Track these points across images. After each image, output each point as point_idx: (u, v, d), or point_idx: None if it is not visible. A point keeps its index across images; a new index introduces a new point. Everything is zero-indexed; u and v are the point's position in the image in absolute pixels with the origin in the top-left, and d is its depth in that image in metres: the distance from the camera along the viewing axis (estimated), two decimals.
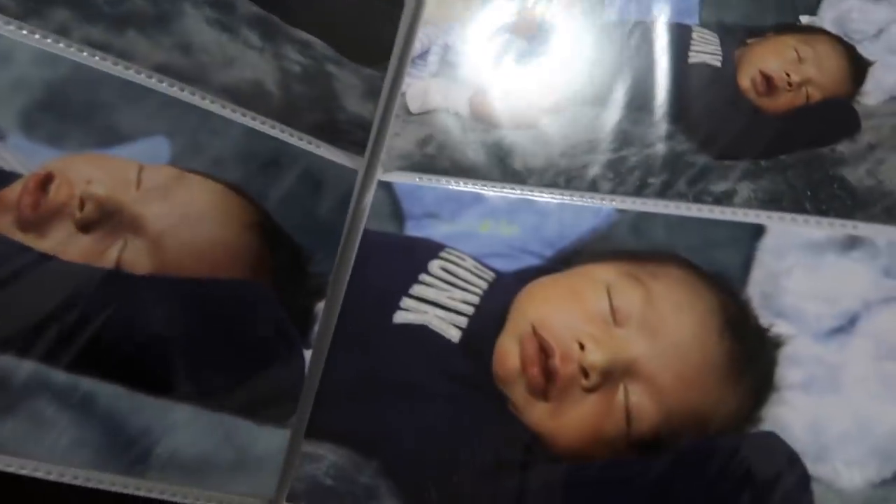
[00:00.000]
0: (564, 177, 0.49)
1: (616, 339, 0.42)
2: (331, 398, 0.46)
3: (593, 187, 0.48)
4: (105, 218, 0.41)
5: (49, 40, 0.41)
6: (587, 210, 0.47)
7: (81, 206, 0.40)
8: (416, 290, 0.48)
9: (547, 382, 0.42)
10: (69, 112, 0.41)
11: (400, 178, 0.52)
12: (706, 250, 0.44)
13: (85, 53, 0.41)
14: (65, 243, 0.40)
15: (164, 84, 0.44)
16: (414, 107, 0.54)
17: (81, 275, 0.39)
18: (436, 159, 0.52)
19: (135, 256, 0.41)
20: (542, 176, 0.49)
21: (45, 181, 0.40)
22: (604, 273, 0.45)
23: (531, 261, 0.47)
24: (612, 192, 0.47)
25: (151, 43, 0.43)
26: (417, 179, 0.51)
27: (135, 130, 0.43)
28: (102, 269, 0.40)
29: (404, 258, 0.49)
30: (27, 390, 0.37)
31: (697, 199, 0.45)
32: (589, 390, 0.41)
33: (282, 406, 0.44)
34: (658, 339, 0.42)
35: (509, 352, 0.44)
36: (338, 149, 0.49)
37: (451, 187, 0.50)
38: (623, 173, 0.48)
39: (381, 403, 0.45)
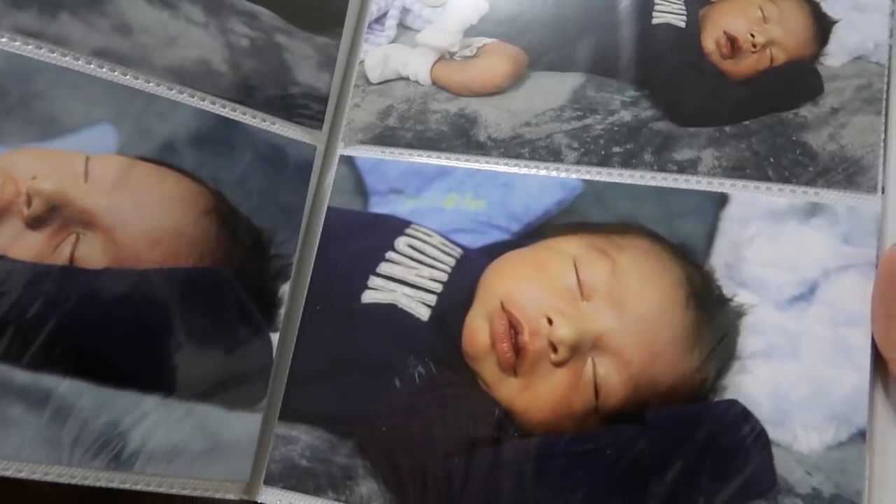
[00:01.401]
0: (529, 147, 0.48)
1: (583, 313, 0.42)
2: (302, 380, 0.46)
3: (558, 158, 0.47)
4: (54, 213, 0.39)
5: None
6: (552, 182, 0.47)
7: (28, 202, 0.39)
8: (384, 268, 0.47)
9: (517, 358, 0.43)
10: (6, 106, 0.39)
11: (362, 152, 0.50)
12: (671, 221, 0.44)
13: (17, 42, 0.39)
14: (15, 242, 0.39)
15: (104, 69, 0.41)
16: (373, 76, 0.52)
17: (35, 273, 0.38)
18: (398, 131, 0.50)
19: (88, 251, 0.40)
20: (506, 147, 0.48)
21: None
22: (570, 246, 0.45)
23: (498, 235, 0.47)
24: (578, 162, 0.46)
25: (87, 26, 0.40)
26: (381, 153, 0.50)
27: (77, 120, 0.41)
28: (56, 267, 0.39)
29: (370, 236, 0.49)
30: None
31: (662, 167, 0.45)
32: (558, 364, 0.42)
33: (251, 391, 0.44)
34: (625, 313, 0.42)
35: (479, 328, 0.44)
36: (294, 124, 0.48)
37: (414, 160, 0.49)
38: (588, 142, 0.47)
39: (352, 383, 0.45)
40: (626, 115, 0.47)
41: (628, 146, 0.46)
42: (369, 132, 0.51)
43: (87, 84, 0.41)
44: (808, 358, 0.40)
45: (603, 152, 0.46)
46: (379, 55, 0.52)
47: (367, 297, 0.47)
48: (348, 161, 0.50)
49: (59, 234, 0.39)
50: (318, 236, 0.49)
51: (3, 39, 0.39)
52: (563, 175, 0.47)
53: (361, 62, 0.52)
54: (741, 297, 0.41)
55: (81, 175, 0.40)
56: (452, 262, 0.47)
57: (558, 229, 0.46)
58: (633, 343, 0.41)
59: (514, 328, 0.43)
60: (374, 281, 0.47)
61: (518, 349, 0.43)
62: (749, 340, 0.40)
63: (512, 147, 0.48)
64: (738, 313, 0.41)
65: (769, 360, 0.40)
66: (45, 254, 0.39)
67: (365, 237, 0.49)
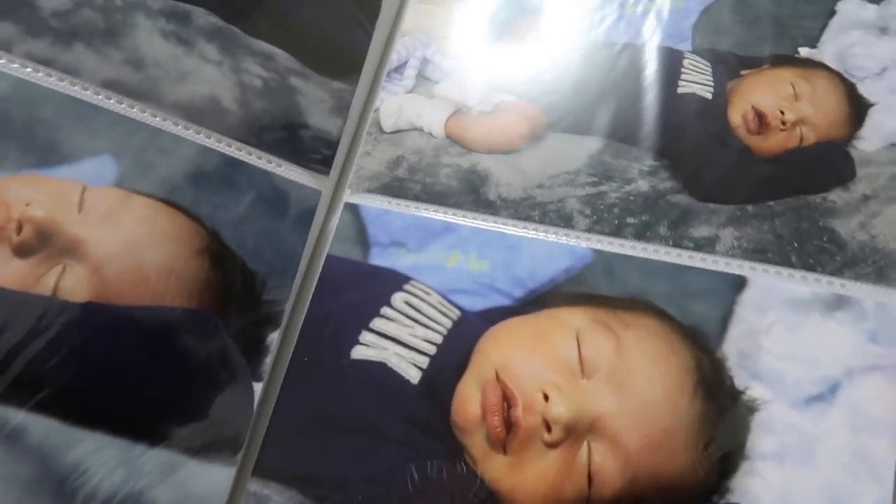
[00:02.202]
0: (540, 210, 0.46)
1: (582, 391, 0.40)
2: (280, 435, 0.44)
3: (569, 223, 0.45)
4: (43, 242, 0.39)
5: None
6: (561, 248, 0.44)
7: (19, 229, 0.38)
8: (377, 324, 0.45)
9: (508, 434, 0.40)
10: (8, 130, 0.39)
11: (368, 201, 0.49)
12: (683, 300, 0.41)
13: (28, 69, 0.39)
14: (1, 268, 0.38)
15: (111, 101, 0.41)
16: (387, 124, 0.51)
17: (16, 302, 0.37)
18: (406, 182, 0.49)
19: (73, 283, 0.39)
20: (516, 208, 0.46)
21: None
22: (574, 318, 0.42)
23: (499, 300, 0.45)
24: (589, 230, 0.44)
25: (100, 57, 0.40)
26: (387, 203, 0.48)
27: (79, 150, 0.40)
28: (39, 297, 0.38)
29: (367, 288, 0.47)
30: None
31: (677, 243, 0.42)
32: (551, 445, 0.39)
33: (227, 443, 0.42)
34: (626, 396, 0.39)
35: (470, 398, 0.42)
36: (300, 168, 0.47)
37: (420, 214, 0.48)
38: (601, 210, 0.45)
39: (332, 444, 0.43)
40: (643, 185, 0.45)
41: (643, 217, 0.44)
42: (377, 181, 0.50)
43: (92, 114, 0.41)
44: (824, 465, 0.36)
45: (616, 222, 0.44)
46: (394, 104, 0.51)
47: (358, 352, 0.45)
48: (353, 209, 0.49)
49: (46, 264, 0.38)
50: (314, 284, 0.47)
51: (14, 65, 0.39)
52: (572, 242, 0.44)
53: (376, 110, 0.52)
54: (754, 390, 0.38)
55: (76, 205, 0.40)
56: (449, 323, 0.45)
57: (563, 299, 0.44)
58: (633, 429, 0.38)
59: (507, 401, 0.40)
60: (366, 336, 0.45)
61: (510, 424, 0.40)
62: (760, 440, 0.37)
63: (522, 208, 0.46)
64: (750, 408, 0.38)
65: (781, 463, 0.36)
66: (29, 282, 0.38)
67: (361, 289, 0.47)
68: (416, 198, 0.48)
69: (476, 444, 0.41)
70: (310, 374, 0.45)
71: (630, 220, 0.44)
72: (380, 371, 0.44)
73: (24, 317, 0.37)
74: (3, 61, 0.39)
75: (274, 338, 0.44)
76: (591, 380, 0.40)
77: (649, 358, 0.40)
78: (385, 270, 0.47)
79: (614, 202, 0.45)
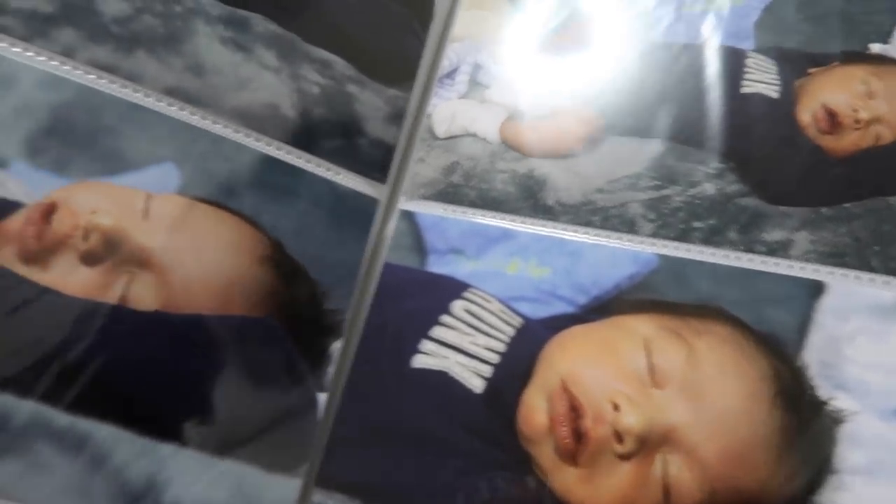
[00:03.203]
0: (601, 216, 0.45)
1: (654, 401, 0.38)
2: (343, 445, 0.43)
3: (632, 229, 0.44)
4: (110, 250, 0.38)
5: (55, 62, 0.38)
6: (625, 254, 0.43)
7: (86, 237, 0.38)
8: (437, 332, 0.44)
9: (577, 445, 0.39)
10: (74, 138, 0.39)
11: (423, 208, 0.48)
12: (757, 307, 0.40)
13: (91, 76, 0.39)
14: (68, 276, 0.38)
15: (173, 108, 0.41)
16: (440, 130, 0.50)
17: (85, 311, 0.37)
18: (461, 189, 0.48)
19: (140, 291, 0.38)
20: (576, 213, 0.45)
21: (49, 211, 0.38)
22: (642, 326, 0.41)
23: (562, 307, 0.44)
24: (654, 235, 0.43)
25: (161, 64, 0.40)
26: (443, 210, 0.48)
27: (143, 157, 0.40)
28: (106, 305, 0.38)
29: (425, 296, 0.46)
30: (26, 431, 0.35)
31: (749, 248, 0.41)
32: (623, 457, 0.38)
33: (293, 453, 0.41)
34: (701, 406, 0.38)
35: (536, 408, 0.41)
36: (358, 175, 0.46)
37: (477, 220, 0.47)
38: (666, 214, 0.44)
39: (395, 454, 0.42)
40: (709, 188, 0.44)
41: (711, 222, 0.43)
42: (432, 188, 0.49)
43: (155, 121, 0.40)
44: None
45: (682, 226, 0.43)
46: (447, 110, 0.51)
47: (418, 361, 0.44)
48: (408, 216, 0.48)
49: (113, 272, 0.38)
50: (372, 292, 0.47)
51: (78, 72, 0.39)
52: (636, 247, 0.43)
53: (429, 116, 0.51)
54: (839, 401, 0.37)
55: (141, 213, 0.39)
56: (512, 331, 0.44)
57: (629, 306, 0.43)
58: (711, 441, 0.37)
59: (575, 411, 0.39)
60: (425, 345, 0.44)
61: (579, 435, 0.39)
62: (848, 453, 0.35)
63: (582, 213, 0.45)
64: (836, 420, 0.37)
65: (873, 478, 0.35)
66: (97, 291, 0.37)
67: (419, 297, 0.46)
68: (473, 204, 0.47)
69: (545, 455, 0.40)
70: (370, 383, 0.44)
71: (697, 224, 0.43)
72: (442, 380, 0.43)
73: (93, 326, 0.37)
74: (67, 68, 0.39)
75: (336, 347, 0.43)
76: (663, 389, 0.39)
77: (724, 366, 0.39)
78: (443, 278, 0.46)
79: (679, 206, 0.44)
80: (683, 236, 0.43)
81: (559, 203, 0.46)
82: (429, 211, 0.48)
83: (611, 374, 0.40)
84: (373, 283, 0.47)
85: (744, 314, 0.40)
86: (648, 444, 0.38)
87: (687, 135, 0.45)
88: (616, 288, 0.43)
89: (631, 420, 0.38)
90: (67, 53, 0.38)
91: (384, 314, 0.46)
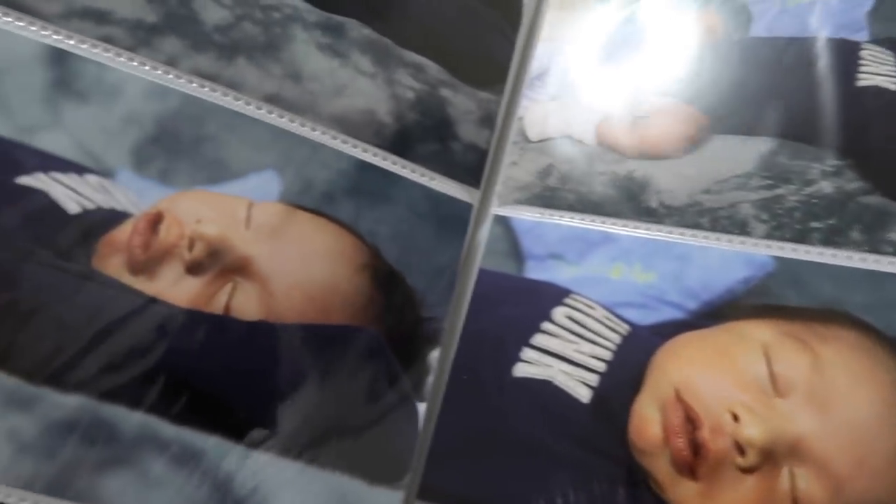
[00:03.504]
0: (709, 217, 0.43)
1: (777, 411, 0.36)
2: (444, 457, 0.42)
3: (744, 230, 0.42)
4: (214, 259, 0.38)
5: (159, 71, 0.39)
6: (737, 257, 0.41)
7: (191, 246, 0.38)
8: (539, 340, 0.43)
9: (695, 457, 0.37)
10: (179, 146, 0.39)
11: (518, 213, 0.47)
12: (888, 311, 0.37)
13: (194, 84, 0.39)
14: (174, 286, 0.37)
15: (273, 115, 0.41)
16: (532, 133, 0.49)
17: (191, 321, 0.37)
18: (558, 192, 0.47)
19: (244, 301, 0.38)
20: (682, 215, 0.43)
21: (155, 221, 0.38)
22: (760, 332, 0.39)
23: (671, 313, 0.42)
24: (768, 236, 0.41)
25: (261, 71, 0.40)
26: (539, 214, 0.46)
27: (244, 165, 0.40)
28: (212, 315, 0.37)
29: (525, 303, 0.45)
30: (135, 443, 0.35)
31: (875, 248, 0.39)
32: (746, 471, 0.36)
33: (395, 465, 0.40)
34: (831, 416, 0.36)
35: (649, 419, 0.39)
36: (452, 180, 0.45)
37: (576, 225, 0.46)
38: (780, 215, 0.42)
39: (498, 465, 0.41)
40: (826, 187, 0.41)
41: (830, 222, 0.40)
42: (527, 192, 0.48)
43: (256, 129, 0.40)
44: None
45: (799, 227, 0.41)
46: (540, 112, 0.49)
47: (520, 370, 0.42)
48: (503, 221, 0.47)
49: (217, 282, 0.38)
50: (467, 299, 0.46)
51: (181, 81, 0.39)
52: (750, 250, 0.41)
53: (520, 118, 0.50)
54: None
55: (243, 221, 0.39)
56: (618, 338, 0.42)
57: (745, 311, 0.41)
58: (843, 453, 0.35)
59: (691, 422, 0.38)
60: (527, 353, 0.43)
61: (696, 447, 0.37)
62: None
63: (689, 215, 0.43)
64: None
65: None
66: (202, 301, 0.37)
67: (519, 304, 0.45)
68: (571, 208, 0.46)
69: (660, 468, 0.38)
70: (470, 392, 0.43)
71: (815, 224, 0.41)
72: (546, 389, 0.42)
73: (199, 336, 0.37)
74: (171, 77, 0.39)
75: (435, 356, 0.42)
76: (787, 399, 0.37)
77: (854, 374, 0.37)
78: (543, 284, 0.45)
79: (795, 206, 0.42)
80: (801, 237, 0.41)
81: (663, 205, 0.44)
82: (525, 215, 0.47)
83: (728, 383, 0.38)
84: (468, 289, 0.45)
85: (873, 319, 0.37)
86: (773, 457, 0.36)
87: (799, 132, 0.43)
88: (729, 292, 0.41)
89: (753, 431, 0.36)
90: (171, 62, 0.38)
91: (481, 322, 0.45)
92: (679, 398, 0.38)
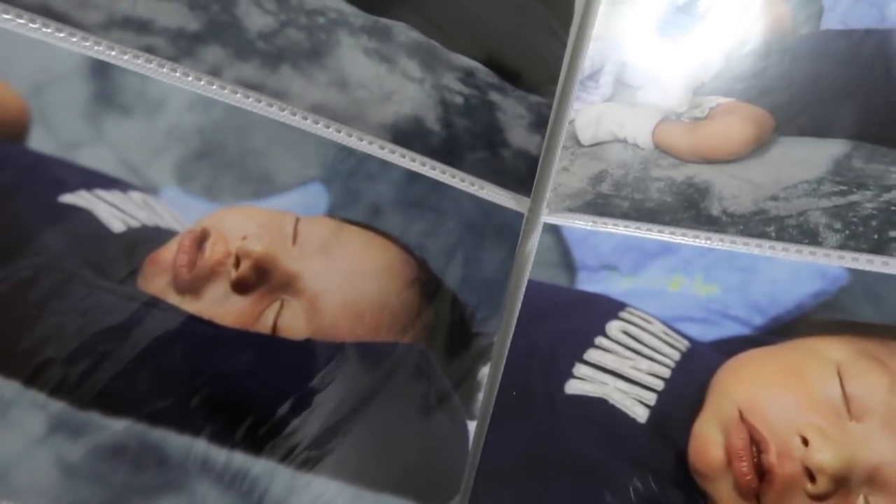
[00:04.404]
0: (776, 226, 0.40)
1: (851, 435, 0.34)
2: (493, 477, 0.41)
3: (815, 240, 0.39)
4: (261, 277, 0.37)
5: (202, 82, 0.37)
6: (808, 269, 0.39)
7: (237, 264, 0.37)
8: (593, 355, 0.41)
9: (760, 483, 0.35)
10: (224, 161, 0.38)
11: (570, 221, 0.45)
12: None
13: (239, 95, 0.38)
14: (220, 305, 0.36)
15: (319, 125, 0.39)
16: (584, 137, 0.47)
17: (239, 342, 0.36)
18: (612, 199, 0.45)
19: (292, 319, 0.37)
20: (746, 224, 0.41)
21: (201, 238, 0.37)
22: (832, 350, 0.37)
23: (735, 328, 0.40)
24: (841, 247, 0.39)
25: (307, 80, 0.38)
26: (592, 223, 0.44)
27: (291, 178, 0.38)
28: (260, 335, 0.36)
29: (577, 317, 0.43)
30: (184, 467, 0.34)
31: None
32: (816, 498, 0.34)
33: (445, 485, 0.39)
34: None
35: (710, 440, 0.37)
36: (502, 189, 0.43)
37: (632, 234, 0.44)
38: (855, 223, 0.39)
39: (550, 487, 0.39)
40: None
41: None
42: (579, 199, 0.46)
43: (301, 140, 0.39)
44: None
45: (876, 236, 0.38)
46: (591, 115, 0.47)
47: (573, 387, 0.41)
48: (554, 230, 0.45)
49: (265, 300, 0.37)
50: (516, 313, 0.44)
51: (225, 91, 0.38)
52: (821, 261, 0.39)
53: (571, 122, 0.48)
54: None
55: (290, 237, 0.38)
56: (677, 355, 0.40)
57: (816, 327, 0.38)
58: None
59: (756, 444, 0.36)
60: (580, 369, 0.41)
61: (762, 472, 0.35)
62: None
63: (754, 224, 0.41)
64: None
65: None
66: (250, 320, 0.36)
67: (570, 318, 0.43)
68: (626, 216, 0.44)
69: (723, 493, 0.36)
70: (520, 410, 0.42)
71: (894, 234, 0.38)
72: (600, 408, 0.40)
73: (247, 358, 0.36)
74: (214, 87, 0.38)
75: (485, 373, 0.41)
76: (862, 422, 0.35)
77: None
78: (596, 296, 0.43)
79: (871, 213, 0.39)
80: (879, 248, 0.38)
81: (726, 213, 0.42)
82: (577, 224, 0.45)
83: (798, 404, 0.36)
84: (517, 302, 0.44)
85: None
86: (847, 484, 0.34)
87: (876, 132, 0.40)
88: (798, 307, 0.39)
89: (825, 456, 0.34)
90: (215, 72, 0.37)
91: (531, 336, 0.43)
92: (743, 419, 0.37)
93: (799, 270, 0.39)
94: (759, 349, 0.39)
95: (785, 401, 0.36)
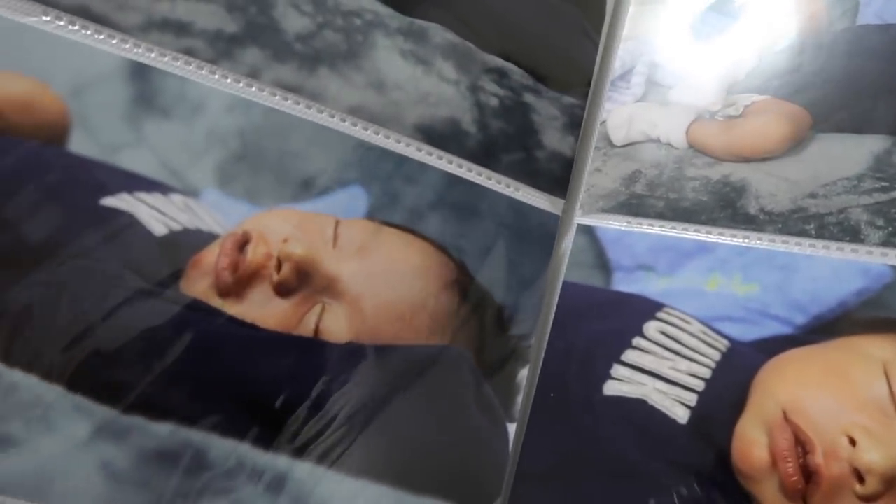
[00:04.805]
0: (816, 224, 0.40)
1: None
2: (532, 479, 0.40)
3: (856, 237, 0.39)
4: (302, 280, 0.37)
5: (241, 84, 0.37)
6: (850, 266, 0.39)
7: (278, 267, 0.37)
8: (631, 356, 0.41)
9: (807, 484, 0.35)
10: (263, 163, 0.38)
11: (603, 221, 0.45)
12: None
13: (277, 97, 0.37)
14: (262, 308, 0.36)
15: (357, 127, 0.39)
16: (617, 137, 0.47)
17: (282, 345, 0.36)
18: (647, 199, 0.45)
19: (333, 323, 0.37)
20: (785, 222, 0.41)
21: (242, 241, 0.37)
22: (878, 349, 0.37)
23: (777, 328, 0.39)
24: (884, 243, 0.38)
25: (344, 81, 0.38)
26: (626, 223, 0.44)
27: (330, 180, 0.38)
28: (302, 339, 0.36)
29: (614, 317, 0.43)
30: (228, 471, 0.34)
31: None
32: (865, 499, 0.34)
33: (485, 488, 0.39)
34: None
35: (754, 441, 0.37)
36: (538, 191, 0.43)
37: (667, 233, 0.43)
38: None
39: (590, 489, 0.39)
40: None
41: None
42: (612, 199, 0.45)
43: (340, 142, 0.39)
44: None
45: None
46: (623, 115, 0.47)
47: (611, 388, 0.41)
48: (588, 231, 0.45)
49: (306, 303, 0.37)
50: (552, 314, 0.44)
51: (264, 94, 0.38)
52: (864, 258, 0.39)
53: (602, 123, 0.48)
54: None
55: (330, 240, 0.38)
56: (717, 355, 0.40)
57: (860, 326, 0.38)
58: None
59: (801, 445, 0.35)
60: (618, 370, 0.41)
61: (808, 473, 0.35)
62: None
63: (792, 222, 0.41)
64: None
65: None
66: (292, 323, 0.36)
67: (607, 318, 0.43)
68: (661, 216, 0.44)
69: (768, 494, 0.36)
70: (557, 412, 0.41)
71: None
72: (639, 409, 0.40)
73: (290, 361, 0.36)
74: (253, 90, 0.37)
75: (524, 375, 0.41)
76: None
77: None
78: (633, 297, 0.43)
79: None
80: None
81: (764, 211, 0.42)
82: (610, 224, 0.44)
83: (843, 404, 0.36)
84: (552, 304, 0.44)
85: None
86: None
87: None
88: (841, 305, 0.38)
89: (874, 456, 0.34)
90: (253, 74, 0.37)
91: (568, 337, 0.43)
92: (787, 419, 0.36)
93: (840, 268, 0.39)
94: (802, 348, 0.38)
95: (830, 400, 0.36)
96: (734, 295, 0.40)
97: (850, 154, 0.41)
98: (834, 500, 0.34)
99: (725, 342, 0.40)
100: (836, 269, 0.39)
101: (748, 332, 0.39)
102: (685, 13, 0.47)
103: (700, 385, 0.39)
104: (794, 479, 0.35)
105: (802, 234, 0.40)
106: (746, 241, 0.41)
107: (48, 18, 0.35)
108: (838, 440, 0.35)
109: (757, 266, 0.41)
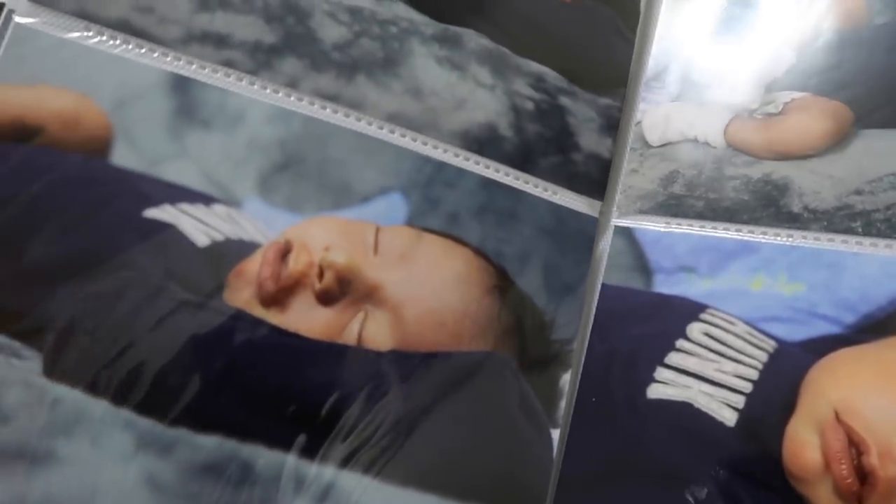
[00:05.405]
0: (862, 221, 0.39)
1: None
2: (576, 485, 0.40)
3: None
4: (344, 288, 0.37)
5: (280, 94, 0.37)
6: None
7: (320, 275, 0.37)
8: (674, 359, 0.40)
9: (862, 486, 0.34)
10: (304, 171, 0.38)
11: (642, 223, 0.44)
12: None
13: (316, 106, 0.38)
14: (305, 317, 0.36)
15: (395, 134, 0.39)
16: (653, 138, 0.46)
17: (326, 354, 0.36)
18: (686, 200, 0.44)
19: (376, 331, 0.37)
20: (830, 220, 0.40)
21: (284, 250, 0.37)
22: None
23: (825, 327, 0.39)
24: None
25: (382, 89, 0.39)
26: (665, 224, 0.44)
27: (370, 188, 0.39)
28: (346, 347, 0.36)
29: (656, 320, 0.42)
30: (274, 483, 0.34)
31: None
32: None
33: (530, 495, 0.38)
34: None
35: (806, 443, 0.36)
36: (576, 194, 0.43)
37: (708, 234, 0.43)
38: None
39: (636, 494, 0.39)
40: None
41: None
42: (650, 200, 0.45)
43: (379, 150, 0.39)
44: None
45: None
46: (659, 115, 0.47)
47: (655, 391, 0.40)
48: (626, 233, 0.45)
49: (349, 311, 0.37)
50: (592, 317, 0.44)
51: (303, 103, 0.38)
52: None
53: (638, 123, 0.47)
54: None
55: (371, 247, 0.38)
56: (764, 356, 0.39)
57: None
58: None
59: (855, 446, 0.35)
60: (662, 373, 0.40)
61: (863, 474, 0.34)
62: None
63: (838, 220, 0.40)
64: None
65: None
66: (335, 332, 0.36)
67: (649, 321, 0.42)
68: (701, 216, 0.43)
69: (822, 497, 0.35)
70: (601, 416, 0.41)
71: None
72: (685, 412, 0.39)
73: (335, 370, 0.36)
74: (292, 99, 0.38)
75: (566, 379, 0.40)
76: None
77: None
78: (675, 298, 0.42)
79: None
80: None
81: (808, 209, 0.41)
82: (649, 226, 0.44)
83: None
84: (592, 307, 0.43)
85: None
86: None
87: None
88: (892, 303, 0.37)
89: None
90: (292, 84, 0.37)
91: (609, 341, 0.42)
92: (839, 420, 0.35)
93: (889, 265, 0.38)
94: (853, 348, 0.38)
95: (884, 400, 0.35)
96: (780, 295, 0.40)
97: (894, 150, 0.40)
98: (891, 501, 0.34)
99: (773, 343, 0.39)
100: (885, 266, 0.38)
101: (796, 333, 0.39)
102: (719, 12, 0.47)
103: (747, 387, 0.39)
104: (848, 480, 0.34)
105: (849, 231, 0.40)
106: (791, 239, 0.41)
107: (90, 34, 0.36)
108: (893, 440, 0.34)
109: (803, 265, 0.40)
